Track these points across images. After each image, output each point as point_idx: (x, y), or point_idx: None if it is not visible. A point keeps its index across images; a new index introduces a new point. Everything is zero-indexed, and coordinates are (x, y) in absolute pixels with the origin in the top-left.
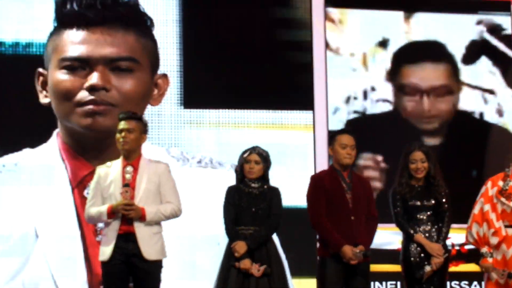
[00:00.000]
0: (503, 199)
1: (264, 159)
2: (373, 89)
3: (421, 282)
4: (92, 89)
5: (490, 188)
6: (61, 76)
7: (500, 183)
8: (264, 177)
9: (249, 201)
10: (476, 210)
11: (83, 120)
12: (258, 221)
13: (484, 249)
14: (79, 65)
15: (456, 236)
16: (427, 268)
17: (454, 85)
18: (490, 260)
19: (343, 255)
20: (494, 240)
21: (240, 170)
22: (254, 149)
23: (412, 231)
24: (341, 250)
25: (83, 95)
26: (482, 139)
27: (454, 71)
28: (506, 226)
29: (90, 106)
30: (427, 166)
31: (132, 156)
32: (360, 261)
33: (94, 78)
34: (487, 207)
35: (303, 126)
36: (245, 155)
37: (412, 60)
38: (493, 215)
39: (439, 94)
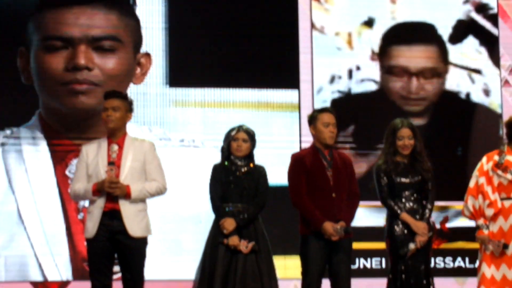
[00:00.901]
0: (499, 172)
1: (251, 137)
2: (358, 68)
3: (405, 259)
4: (74, 69)
5: (485, 163)
6: (44, 56)
7: (496, 158)
8: (250, 156)
9: (236, 179)
10: (471, 184)
11: (66, 99)
12: (245, 198)
13: (480, 221)
14: (61, 45)
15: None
16: (411, 246)
17: (442, 67)
18: (486, 232)
19: (324, 232)
20: (489, 212)
21: (227, 148)
22: (241, 127)
23: (398, 210)
24: (322, 227)
25: (65, 74)
26: (467, 118)
27: (443, 53)
28: (503, 199)
29: (73, 86)
30: (413, 143)
31: (117, 135)
32: (342, 237)
33: (77, 57)
34: (482, 180)
35: (288, 105)
36: (233, 133)
37: (402, 41)
38: (489, 188)
39: (427, 76)
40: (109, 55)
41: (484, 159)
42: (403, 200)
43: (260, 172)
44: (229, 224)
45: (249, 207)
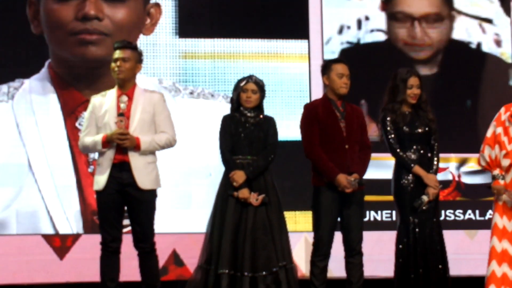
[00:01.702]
0: None
1: (261, 88)
2: (367, 18)
3: (417, 211)
4: (84, 18)
5: (503, 113)
6: (53, 5)
7: None
8: (259, 107)
9: (246, 130)
10: (488, 133)
11: (76, 49)
12: (255, 150)
13: (496, 172)
14: None
15: (453, 165)
16: (425, 198)
17: (446, 13)
18: (501, 182)
19: (338, 184)
20: (505, 162)
21: (236, 99)
22: (251, 78)
23: (410, 162)
24: (336, 179)
25: (75, 24)
26: (476, 68)
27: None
28: None
29: (83, 36)
30: (420, 92)
31: (127, 86)
32: (355, 189)
33: (86, 7)
34: (499, 130)
35: (298, 56)
36: (242, 84)
37: None
38: (505, 138)
39: (431, 21)
40: (119, 5)
41: (503, 109)
42: (411, 151)
43: (269, 123)
44: (239, 176)
45: (259, 159)
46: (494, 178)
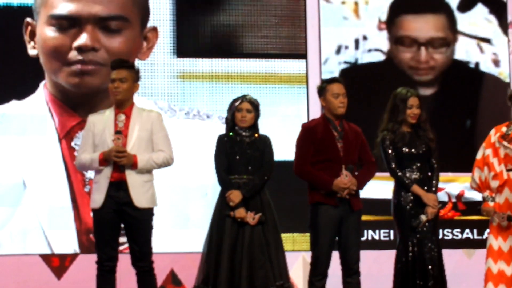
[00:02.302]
0: (505, 143)
1: (255, 107)
2: (365, 38)
3: (415, 231)
4: (80, 49)
5: (493, 134)
6: (50, 34)
7: (504, 129)
8: (254, 126)
9: (241, 149)
10: (478, 156)
11: (71, 79)
12: (251, 169)
13: (486, 193)
14: (68, 24)
15: (451, 185)
16: (423, 218)
17: (451, 36)
18: (491, 204)
19: (336, 188)
20: (494, 184)
21: (231, 119)
22: (245, 98)
23: (408, 182)
24: (333, 185)
25: (71, 54)
26: (476, 88)
27: (451, 22)
28: (509, 170)
29: (78, 66)
30: (420, 112)
31: (124, 105)
32: (351, 191)
33: (83, 38)
34: (488, 151)
35: (296, 76)
36: (237, 103)
37: (409, 10)
38: (495, 160)
39: (436, 46)
40: (116, 35)
41: (493, 131)
42: (411, 171)
43: (265, 142)
44: (235, 196)
45: (255, 178)
46: (483, 200)
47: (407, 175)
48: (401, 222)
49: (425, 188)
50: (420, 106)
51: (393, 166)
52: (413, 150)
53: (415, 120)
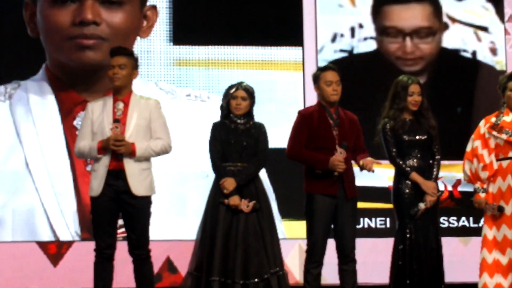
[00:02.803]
0: (494, 133)
1: (250, 95)
2: (360, 26)
3: (414, 218)
4: (82, 23)
5: (482, 126)
6: (50, 10)
7: (493, 119)
8: (249, 113)
9: (236, 137)
10: (468, 148)
11: (73, 54)
12: (245, 157)
13: (477, 185)
14: None
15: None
16: (421, 206)
17: (436, 25)
18: (482, 195)
19: (333, 165)
20: (484, 175)
21: (226, 106)
22: (240, 85)
23: (408, 169)
24: (329, 161)
25: (73, 29)
26: (469, 77)
27: (436, 11)
28: (500, 159)
29: (80, 40)
30: (421, 99)
31: (123, 92)
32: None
33: (84, 12)
34: (476, 143)
35: (292, 63)
36: (232, 91)
37: (394, 0)
38: (484, 151)
39: (422, 36)
40: (116, 10)
41: (482, 122)
42: (411, 158)
43: (260, 130)
44: (229, 184)
45: (249, 165)
46: (475, 191)
47: (408, 162)
48: (400, 210)
49: (426, 175)
50: (421, 93)
51: (393, 153)
52: (413, 137)
53: (416, 107)
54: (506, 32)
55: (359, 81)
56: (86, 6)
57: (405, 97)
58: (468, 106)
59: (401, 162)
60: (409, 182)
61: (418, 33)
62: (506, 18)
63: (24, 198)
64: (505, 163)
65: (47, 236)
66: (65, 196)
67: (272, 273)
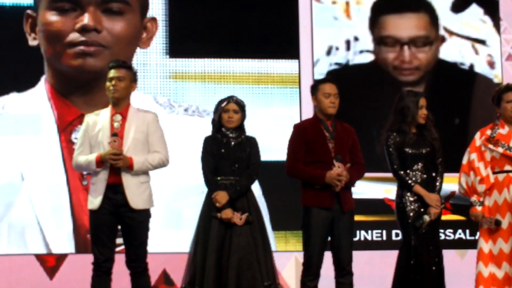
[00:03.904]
0: (490, 146)
1: (242, 108)
2: (356, 39)
3: (418, 231)
4: (83, 30)
5: (478, 138)
6: (52, 17)
7: (488, 132)
8: (241, 127)
9: (228, 151)
10: (464, 161)
11: (74, 61)
12: (238, 170)
13: (473, 198)
14: (70, 6)
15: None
16: (426, 218)
17: (433, 34)
18: (479, 208)
19: (328, 180)
20: (481, 188)
21: (218, 120)
22: (231, 98)
23: (411, 182)
24: (326, 176)
25: (74, 36)
26: (465, 88)
27: (434, 21)
28: (496, 172)
29: (81, 47)
30: (427, 113)
31: (121, 105)
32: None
33: (85, 19)
34: (473, 156)
35: (288, 76)
36: (223, 104)
37: (391, 10)
38: (480, 164)
39: (419, 45)
40: (117, 18)
41: (477, 134)
42: (414, 171)
43: (251, 143)
44: (222, 197)
45: (242, 179)
46: (471, 204)
47: (411, 175)
48: (404, 223)
49: (430, 187)
50: (427, 106)
51: (396, 166)
52: (417, 150)
53: (424, 121)
54: (501, 44)
55: (354, 92)
56: (88, 13)
57: (416, 111)
58: (464, 118)
59: (404, 175)
60: (412, 195)
61: (415, 42)
62: (501, 29)
63: (19, 211)
64: (501, 176)
65: (42, 250)
66: (60, 210)
67: (265, 286)
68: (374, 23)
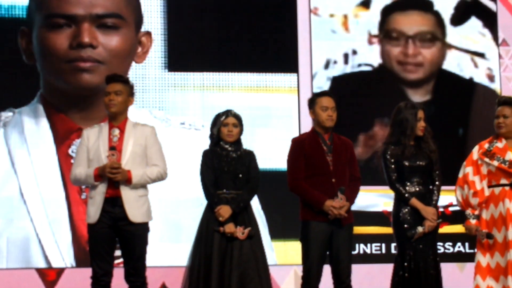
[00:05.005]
0: (486, 159)
1: (240, 121)
2: (354, 52)
3: (413, 243)
4: (79, 46)
5: (475, 152)
6: (48, 34)
7: (486, 145)
8: (239, 141)
9: (229, 164)
10: (460, 174)
11: (70, 76)
12: (239, 184)
13: (468, 211)
14: (65, 23)
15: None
16: (419, 229)
17: (439, 32)
18: (473, 222)
19: (326, 209)
20: (474, 201)
21: (216, 134)
22: (230, 112)
23: (407, 195)
24: (325, 204)
25: (70, 52)
26: (468, 99)
27: (439, 21)
28: (492, 186)
29: (77, 63)
30: (426, 125)
31: (119, 119)
32: (343, 216)
33: (81, 35)
34: (468, 169)
35: (287, 89)
36: (222, 118)
37: (400, 9)
38: (476, 177)
39: (424, 40)
40: (112, 33)
41: (476, 148)
42: (411, 184)
43: (250, 157)
44: (225, 211)
45: (243, 193)
46: (466, 217)
47: (408, 188)
48: (400, 235)
49: (427, 200)
50: (425, 118)
51: (393, 179)
52: (414, 163)
53: (423, 133)
54: (500, 56)
55: (356, 101)
56: (83, 30)
57: (415, 123)
58: (465, 129)
59: (401, 188)
60: (408, 208)
61: (420, 37)
62: (499, 41)
63: (18, 226)
64: (497, 190)
65: (41, 264)
66: (59, 224)
67: None
68: (383, 22)
